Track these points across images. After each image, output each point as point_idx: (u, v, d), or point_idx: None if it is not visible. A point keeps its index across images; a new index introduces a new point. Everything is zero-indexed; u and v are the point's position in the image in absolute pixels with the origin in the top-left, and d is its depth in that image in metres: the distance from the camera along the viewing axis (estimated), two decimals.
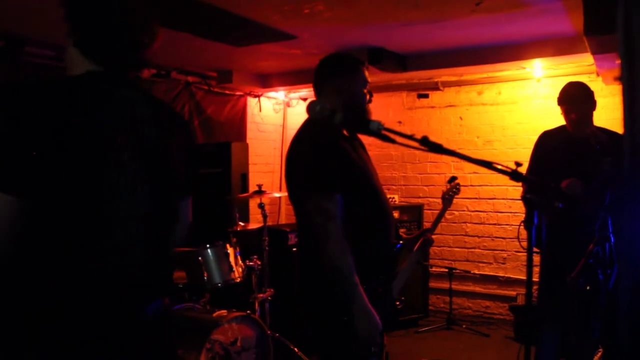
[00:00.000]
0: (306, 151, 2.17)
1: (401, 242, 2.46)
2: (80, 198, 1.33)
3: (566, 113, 3.35)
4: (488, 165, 1.58)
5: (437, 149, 1.58)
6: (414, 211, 5.77)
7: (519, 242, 2.57)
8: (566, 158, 3.34)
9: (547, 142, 3.51)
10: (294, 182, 2.22)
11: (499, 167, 1.64)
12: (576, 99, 3.30)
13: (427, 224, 5.93)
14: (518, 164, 1.68)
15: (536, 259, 2.80)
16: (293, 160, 2.21)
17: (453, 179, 2.85)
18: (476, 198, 5.97)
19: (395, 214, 5.51)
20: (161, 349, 1.52)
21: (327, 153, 2.11)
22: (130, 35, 1.47)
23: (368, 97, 2.35)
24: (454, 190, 2.81)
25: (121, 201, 1.38)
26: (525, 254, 1.68)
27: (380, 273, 2.25)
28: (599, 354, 3.43)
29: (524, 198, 1.67)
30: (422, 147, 1.58)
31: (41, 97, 1.33)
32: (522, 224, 1.71)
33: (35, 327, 1.32)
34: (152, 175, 1.45)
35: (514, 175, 1.59)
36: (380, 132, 1.72)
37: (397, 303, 2.33)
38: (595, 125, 3.39)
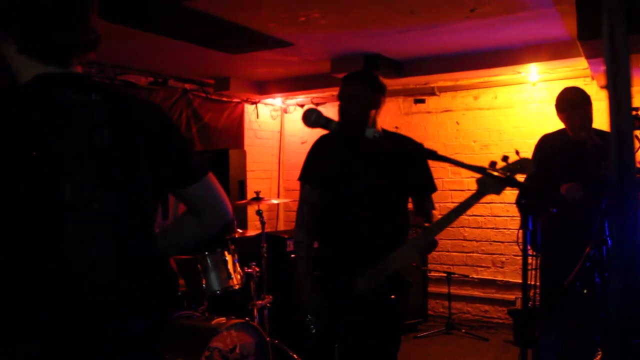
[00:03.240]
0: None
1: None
2: (32, 222, 1.25)
3: (569, 119, 3.33)
4: (482, 171, 1.60)
5: (431, 155, 1.59)
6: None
7: (519, 245, 2.58)
8: (565, 162, 3.35)
9: (546, 145, 3.52)
10: None
11: (494, 173, 1.66)
12: (579, 104, 3.30)
13: None
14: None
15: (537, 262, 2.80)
16: None
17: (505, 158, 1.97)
18: None
19: None
20: None
21: (312, 154, 2.56)
22: (69, 22, 1.32)
23: (344, 108, 2.45)
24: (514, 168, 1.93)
25: (78, 220, 1.29)
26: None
27: (343, 259, 2.43)
28: (598, 357, 3.44)
29: (518, 203, 1.69)
30: (444, 163, 1.59)
31: None
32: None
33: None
34: (114, 184, 1.35)
35: (507, 181, 1.61)
36: (376, 139, 1.74)
37: (391, 296, 2.38)
38: (592, 127, 3.40)
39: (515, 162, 1.91)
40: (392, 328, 2.51)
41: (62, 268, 1.28)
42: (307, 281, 2.47)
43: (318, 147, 2.56)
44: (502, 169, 1.87)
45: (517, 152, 1.93)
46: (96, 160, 1.32)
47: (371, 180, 2.43)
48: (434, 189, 2.58)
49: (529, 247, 1.82)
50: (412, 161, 2.49)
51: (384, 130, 2.43)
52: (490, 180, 1.95)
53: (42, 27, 1.30)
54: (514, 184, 1.62)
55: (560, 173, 3.30)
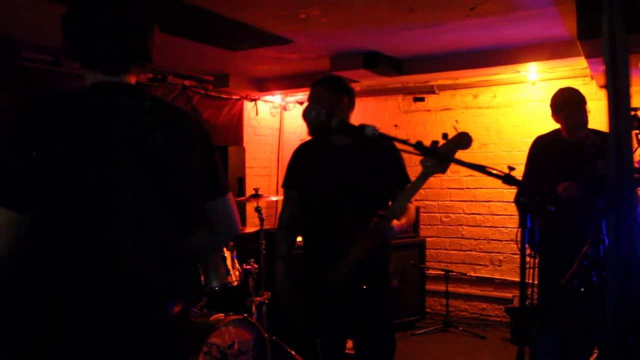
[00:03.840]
0: None
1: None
2: (85, 211, 1.36)
3: (568, 118, 3.34)
4: (481, 169, 1.60)
5: (431, 153, 1.60)
6: None
7: (517, 244, 2.57)
8: (562, 162, 3.36)
9: (541, 146, 3.53)
10: None
11: (493, 171, 1.67)
12: (577, 103, 3.31)
13: (422, 227, 5.95)
14: (511, 168, 1.71)
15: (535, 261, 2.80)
16: None
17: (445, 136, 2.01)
18: (472, 201, 5.99)
19: None
20: (171, 353, 1.53)
21: (292, 160, 2.74)
22: (123, 37, 1.46)
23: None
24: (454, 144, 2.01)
25: (128, 211, 1.41)
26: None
27: (320, 257, 2.53)
28: (594, 355, 3.46)
29: (516, 201, 1.70)
30: (416, 152, 1.60)
31: (45, 113, 1.36)
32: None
33: (41, 335, 1.34)
34: (160, 183, 1.47)
35: (506, 179, 1.61)
36: (375, 137, 1.74)
37: (364, 286, 2.44)
38: (588, 127, 3.41)
39: (454, 137, 1.98)
40: (371, 318, 2.54)
41: (109, 253, 1.39)
42: (283, 282, 2.61)
43: (297, 154, 2.73)
44: (443, 145, 1.95)
45: (455, 128, 1.99)
46: (147, 160, 1.45)
47: (346, 180, 2.51)
48: (408, 181, 2.59)
49: (527, 246, 1.83)
50: (385, 157, 2.55)
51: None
52: (434, 161, 2.03)
53: (94, 41, 1.44)
54: (513, 182, 1.63)
55: (556, 173, 3.30)
